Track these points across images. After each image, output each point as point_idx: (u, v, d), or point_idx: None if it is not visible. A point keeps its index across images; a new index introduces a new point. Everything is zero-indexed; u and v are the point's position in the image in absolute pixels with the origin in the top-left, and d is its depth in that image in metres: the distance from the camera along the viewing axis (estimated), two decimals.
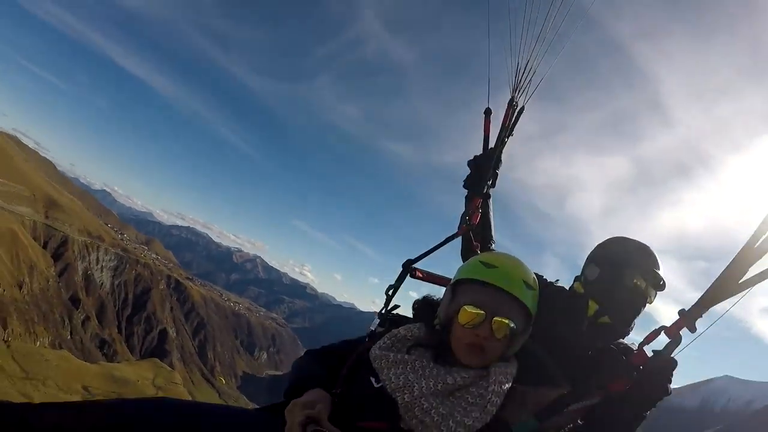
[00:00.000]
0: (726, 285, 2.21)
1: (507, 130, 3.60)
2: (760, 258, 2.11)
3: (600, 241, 3.47)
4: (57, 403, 2.19)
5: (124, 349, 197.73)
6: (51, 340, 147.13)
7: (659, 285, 3.18)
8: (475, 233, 3.69)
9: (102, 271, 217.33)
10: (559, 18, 3.21)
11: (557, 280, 3.52)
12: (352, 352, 2.60)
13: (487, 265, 2.39)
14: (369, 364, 2.43)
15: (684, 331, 2.27)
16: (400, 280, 3.26)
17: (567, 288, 3.49)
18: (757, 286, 2.18)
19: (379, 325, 2.86)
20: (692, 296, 2.36)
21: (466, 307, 2.32)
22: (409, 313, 2.81)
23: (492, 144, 3.81)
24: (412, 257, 3.40)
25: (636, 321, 3.22)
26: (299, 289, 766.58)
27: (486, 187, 3.70)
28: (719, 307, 2.23)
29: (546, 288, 3.28)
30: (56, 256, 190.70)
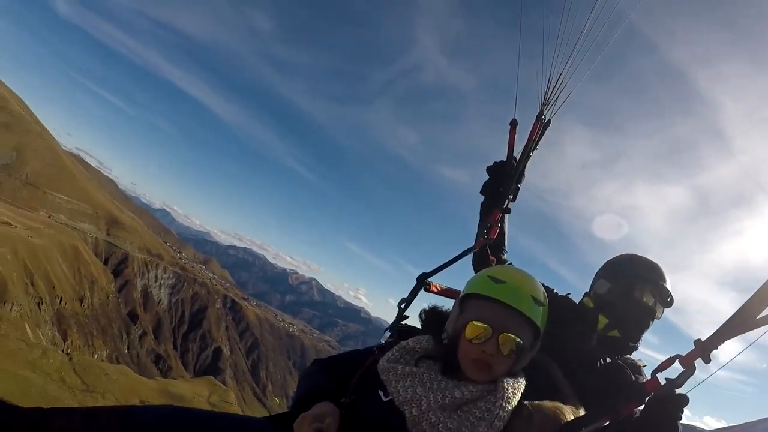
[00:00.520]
0: (743, 320, 2.20)
1: (533, 143, 3.55)
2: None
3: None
4: (66, 408, 2.23)
5: (178, 365, 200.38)
6: (108, 353, 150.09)
7: (667, 301, 3.30)
8: (491, 247, 3.63)
9: (160, 288, 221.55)
10: (593, 33, 3.22)
11: (569, 294, 3.59)
12: (360, 362, 2.60)
13: (495, 280, 2.37)
14: (377, 376, 2.42)
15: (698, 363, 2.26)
16: (414, 293, 3.24)
17: (577, 302, 3.57)
18: None
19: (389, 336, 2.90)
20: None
21: (473, 322, 2.31)
22: (418, 324, 2.81)
23: (516, 156, 3.70)
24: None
25: (644, 336, 3.32)
26: (353, 313, 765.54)
27: (507, 201, 3.62)
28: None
29: (557, 301, 3.38)
30: (116, 273, 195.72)
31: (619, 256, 3.50)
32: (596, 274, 3.51)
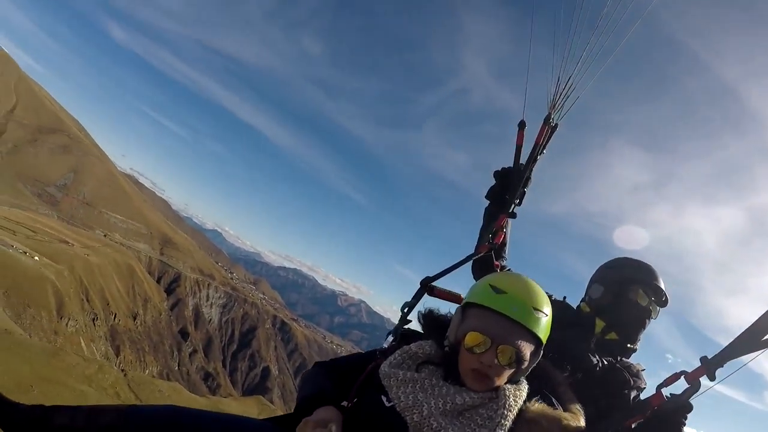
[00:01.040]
0: (750, 341, 2.24)
1: (540, 147, 3.46)
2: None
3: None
4: (68, 406, 2.20)
5: (227, 384, 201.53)
6: (159, 370, 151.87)
7: (662, 300, 3.42)
8: (494, 253, 3.57)
9: (211, 307, 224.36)
10: (603, 38, 3.18)
11: (565, 298, 3.66)
12: (362, 366, 2.60)
13: (496, 290, 2.31)
14: (380, 381, 2.40)
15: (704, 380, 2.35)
16: (417, 298, 3.21)
17: (575, 307, 3.65)
18: None
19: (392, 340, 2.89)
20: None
21: (472, 332, 2.26)
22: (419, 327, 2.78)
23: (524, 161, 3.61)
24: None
25: (641, 336, 3.42)
26: None
27: (513, 205, 3.51)
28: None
29: (554, 306, 3.25)
30: (169, 291, 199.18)
31: (613, 260, 3.61)
32: (590, 279, 3.61)
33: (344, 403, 2.43)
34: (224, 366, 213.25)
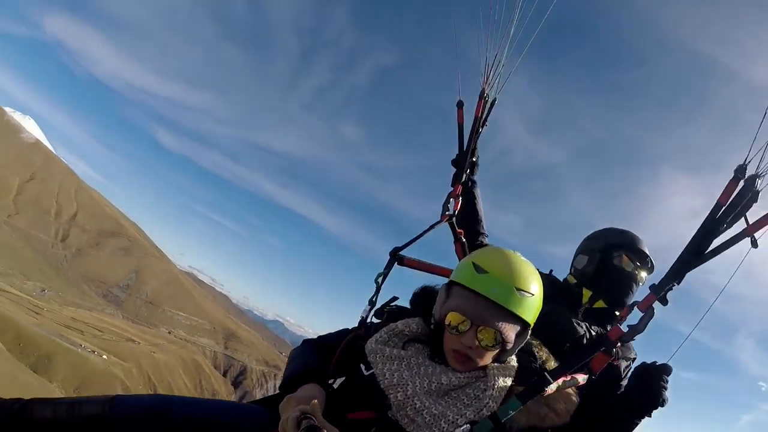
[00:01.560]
0: (694, 254, 2.31)
1: (480, 120, 3.72)
2: (724, 230, 2.28)
3: None
4: (49, 398, 2.16)
5: None
6: None
7: (646, 263, 3.41)
8: (459, 221, 3.64)
9: None
10: (524, 14, 3.41)
11: (551, 271, 3.67)
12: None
13: (478, 269, 2.20)
14: (363, 355, 2.37)
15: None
16: (388, 267, 3.17)
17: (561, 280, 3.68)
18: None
19: (377, 317, 2.79)
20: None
21: (452, 312, 2.21)
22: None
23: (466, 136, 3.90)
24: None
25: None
26: None
27: (465, 175, 3.75)
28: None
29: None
30: (236, 384, 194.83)
31: (592, 232, 3.64)
32: (575, 252, 3.64)
33: (329, 381, 2.41)
34: None
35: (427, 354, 2.30)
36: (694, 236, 2.34)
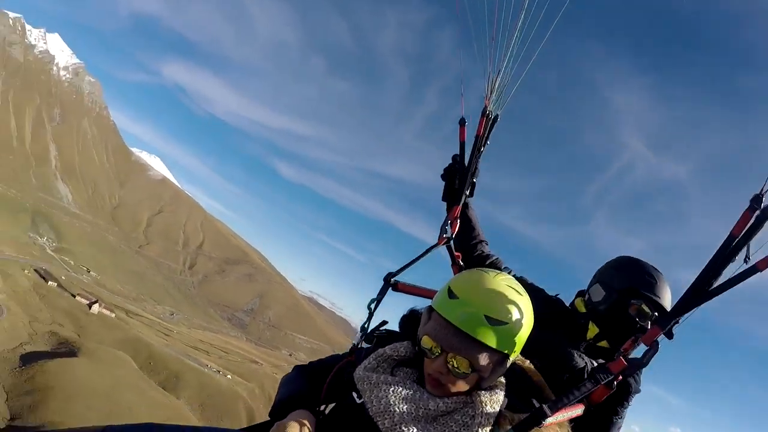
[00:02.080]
0: (698, 293, 2.27)
1: (482, 139, 3.62)
2: (727, 267, 2.22)
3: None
4: (47, 430, 2.19)
5: None
6: None
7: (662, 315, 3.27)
8: (457, 244, 3.59)
9: None
10: (528, 31, 3.34)
11: (557, 295, 3.62)
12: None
13: (450, 293, 2.13)
14: (350, 379, 2.34)
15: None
16: (382, 293, 3.05)
17: (568, 304, 3.60)
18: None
19: (366, 342, 2.73)
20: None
21: (425, 336, 2.16)
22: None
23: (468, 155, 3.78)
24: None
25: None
26: None
27: (464, 196, 3.65)
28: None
29: (545, 303, 3.43)
30: None
31: (620, 261, 3.44)
32: (594, 276, 3.48)
33: (320, 407, 2.40)
34: None
35: (415, 378, 2.25)
36: (704, 269, 2.25)
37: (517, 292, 2.17)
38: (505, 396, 2.21)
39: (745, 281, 2.23)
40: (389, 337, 2.60)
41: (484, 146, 3.58)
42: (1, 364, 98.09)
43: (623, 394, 2.69)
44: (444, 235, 3.43)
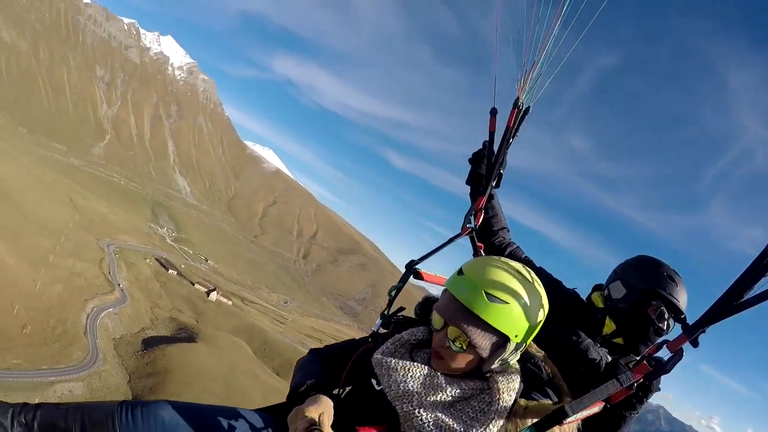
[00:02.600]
0: (726, 305, 2.26)
1: (512, 130, 3.53)
2: (756, 282, 2.19)
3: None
4: (48, 403, 2.11)
5: None
6: None
7: (680, 317, 3.31)
8: (479, 235, 3.60)
9: None
10: (566, 20, 3.21)
11: (575, 288, 3.68)
12: (355, 352, 2.61)
13: (459, 270, 2.26)
14: (371, 366, 2.39)
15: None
16: (403, 281, 3.07)
17: (584, 298, 3.67)
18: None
19: (383, 327, 2.83)
20: None
21: (434, 311, 2.27)
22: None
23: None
24: None
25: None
26: None
27: (490, 187, 3.61)
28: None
29: (562, 295, 3.56)
30: None
31: (641, 260, 3.50)
32: (614, 271, 3.56)
33: (336, 391, 2.45)
34: None
35: None
36: (736, 281, 2.20)
37: (525, 278, 2.22)
38: (521, 383, 2.25)
39: None
40: (406, 322, 2.71)
41: (513, 138, 3.49)
42: (125, 348, 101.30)
43: (642, 392, 2.73)
44: (468, 225, 3.41)
